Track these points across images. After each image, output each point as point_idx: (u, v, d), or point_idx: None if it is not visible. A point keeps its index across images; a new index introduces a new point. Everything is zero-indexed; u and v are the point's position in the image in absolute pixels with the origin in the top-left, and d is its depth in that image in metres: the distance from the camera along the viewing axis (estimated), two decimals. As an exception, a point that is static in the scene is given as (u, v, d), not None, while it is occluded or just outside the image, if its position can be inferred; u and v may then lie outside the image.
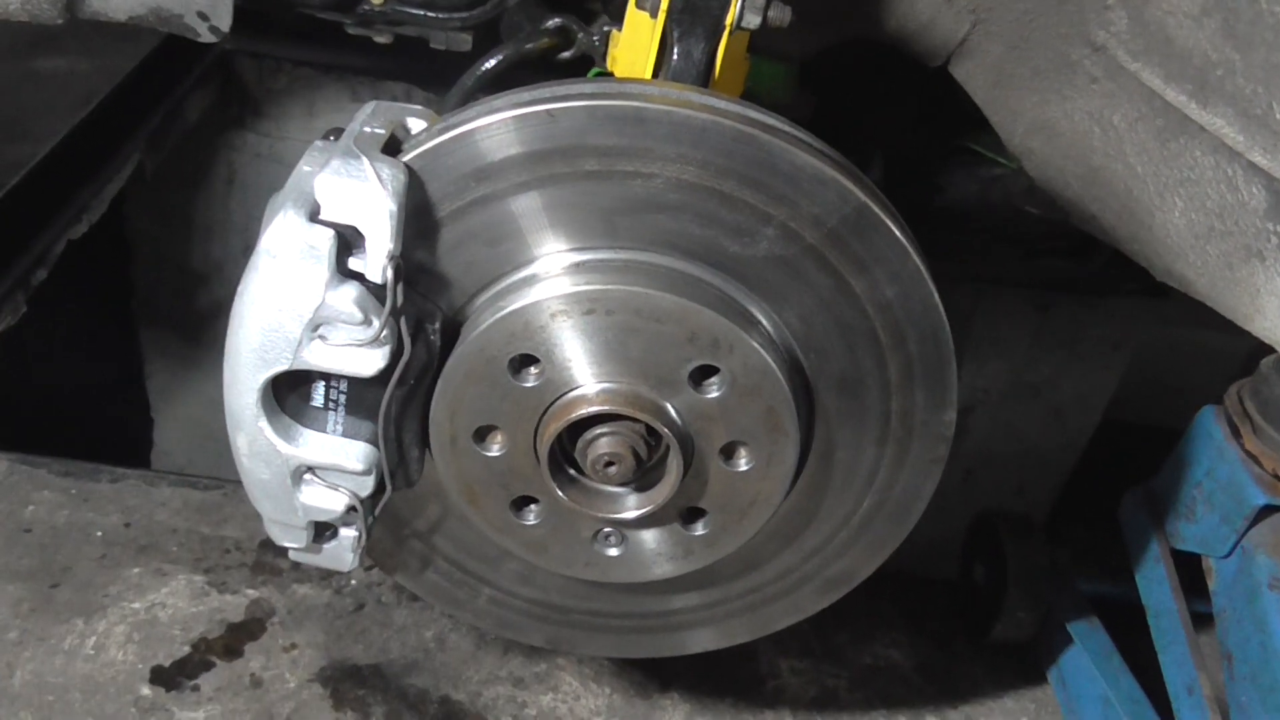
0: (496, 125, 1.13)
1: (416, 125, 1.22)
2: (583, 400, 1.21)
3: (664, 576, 1.33)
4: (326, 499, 1.25)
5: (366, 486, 1.25)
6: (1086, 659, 1.95)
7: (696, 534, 1.30)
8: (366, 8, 1.77)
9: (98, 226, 2.43)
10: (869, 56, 1.87)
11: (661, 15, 1.33)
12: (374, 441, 1.23)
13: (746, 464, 1.25)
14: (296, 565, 1.34)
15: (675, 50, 1.34)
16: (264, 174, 2.91)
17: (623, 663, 1.90)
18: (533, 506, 1.30)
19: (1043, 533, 2.05)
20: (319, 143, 1.22)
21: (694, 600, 1.41)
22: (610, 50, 1.44)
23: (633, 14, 1.37)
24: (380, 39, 1.90)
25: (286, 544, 1.30)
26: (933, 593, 2.17)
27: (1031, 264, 2.15)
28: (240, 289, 1.16)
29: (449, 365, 1.21)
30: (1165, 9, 1.57)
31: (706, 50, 1.34)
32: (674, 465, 1.23)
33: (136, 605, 1.88)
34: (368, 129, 1.18)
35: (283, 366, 1.17)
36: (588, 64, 1.52)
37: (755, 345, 1.18)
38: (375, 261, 1.13)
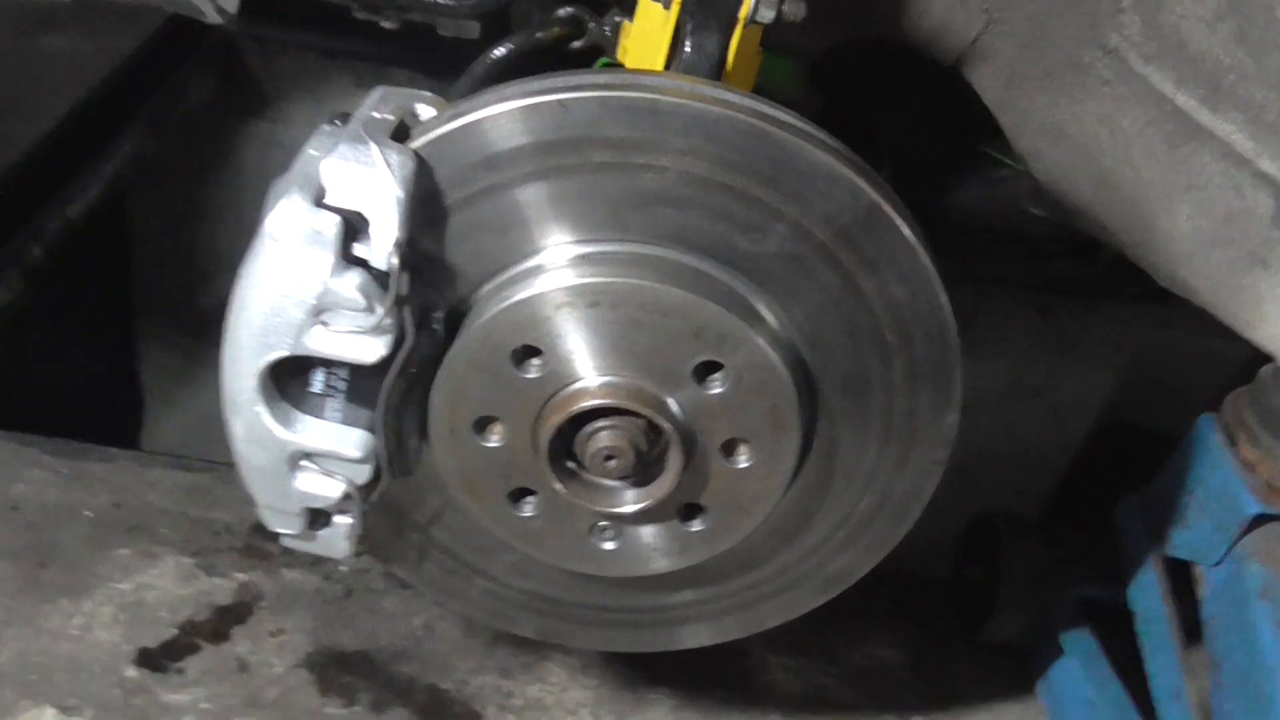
0: (506, 114, 1.12)
1: (425, 112, 1.21)
2: (584, 393, 1.19)
3: (660, 571, 1.32)
4: (322, 486, 1.23)
5: (363, 474, 1.23)
6: (1074, 662, 1.95)
7: (694, 530, 1.29)
8: (374, -8, 1.75)
9: (99, 216, 2.41)
10: (876, 54, 1.86)
11: (675, 7, 1.31)
12: (372, 429, 1.21)
13: (747, 461, 1.24)
14: (286, 550, 1.31)
15: (688, 43, 1.32)
16: (266, 159, 2.89)
17: (611, 655, 1.89)
18: (530, 498, 1.28)
19: (1040, 534, 2.05)
20: (325, 126, 1.20)
21: (689, 595, 1.40)
22: (621, 41, 1.42)
23: (645, 5, 1.35)
24: (387, 24, 1.87)
25: (280, 530, 1.28)
26: (928, 592, 2.16)
27: (1035, 265, 2.13)
28: (242, 272, 1.15)
29: (451, 354, 1.19)
30: (1179, 13, 1.56)
31: (719, 43, 1.32)
32: (674, 460, 1.21)
33: (124, 586, 1.86)
34: (376, 114, 1.16)
35: (283, 351, 1.15)
36: (598, 54, 1.51)
37: (761, 343, 1.17)
38: (380, 249, 1.11)
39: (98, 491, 2.01)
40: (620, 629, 1.46)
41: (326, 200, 1.10)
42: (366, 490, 1.25)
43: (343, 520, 1.28)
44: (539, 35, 1.48)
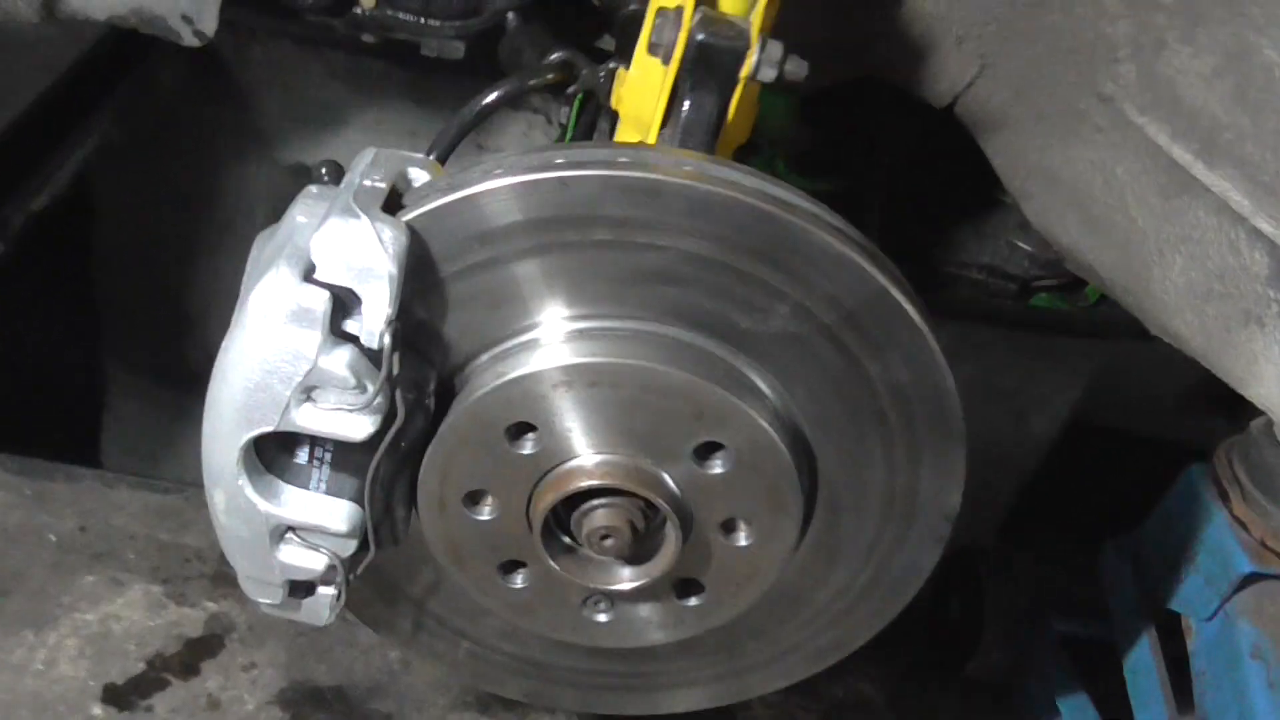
0: (505, 190, 1.07)
1: (419, 177, 1.16)
2: (581, 472, 1.16)
3: (653, 644, 1.29)
4: (306, 559, 1.20)
5: (349, 547, 1.19)
6: (1055, 699, 1.95)
7: (690, 605, 1.26)
8: (358, 11, 1.69)
9: (65, 207, 2.34)
10: (869, 93, 1.82)
11: (674, 64, 1.27)
12: (359, 500, 1.18)
13: (746, 539, 1.21)
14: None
15: (687, 100, 1.28)
16: (237, 147, 2.82)
17: (592, 692, 1.87)
18: (521, 571, 1.25)
19: (1021, 571, 2.04)
20: (314, 189, 1.16)
21: (679, 663, 1.38)
22: (616, 88, 1.38)
23: (643, 58, 1.31)
24: (368, 38, 1.82)
25: (260, 600, 1.24)
26: (907, 624, 2.15)
27: (1022, 303, 2.11)
28: (226, 344, 1.10)
29: (443, 428, 1.16)
30: (1176, 67, 1.53)
31: (719, 103, 1.28)
32: (671, 539, 1.19)
33: (90, 617, 1.82)
34: (368, 182, 1.11)
35: (268, 427, 1.11)
36: (590, 99, 1.46)
37: (763, 424, 1.14)
38: (372, 326, 1.07)
39: (62, 514, 1.96)
40: (609, 692, 1.43)
41: (316, 276, 1.06)
42: (352, 562, 1.21)
43: (326, 591, 1.24)
44: (531, 82, 1.43)
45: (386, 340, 1.07)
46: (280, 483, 1.17)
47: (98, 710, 1.70)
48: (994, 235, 2.05)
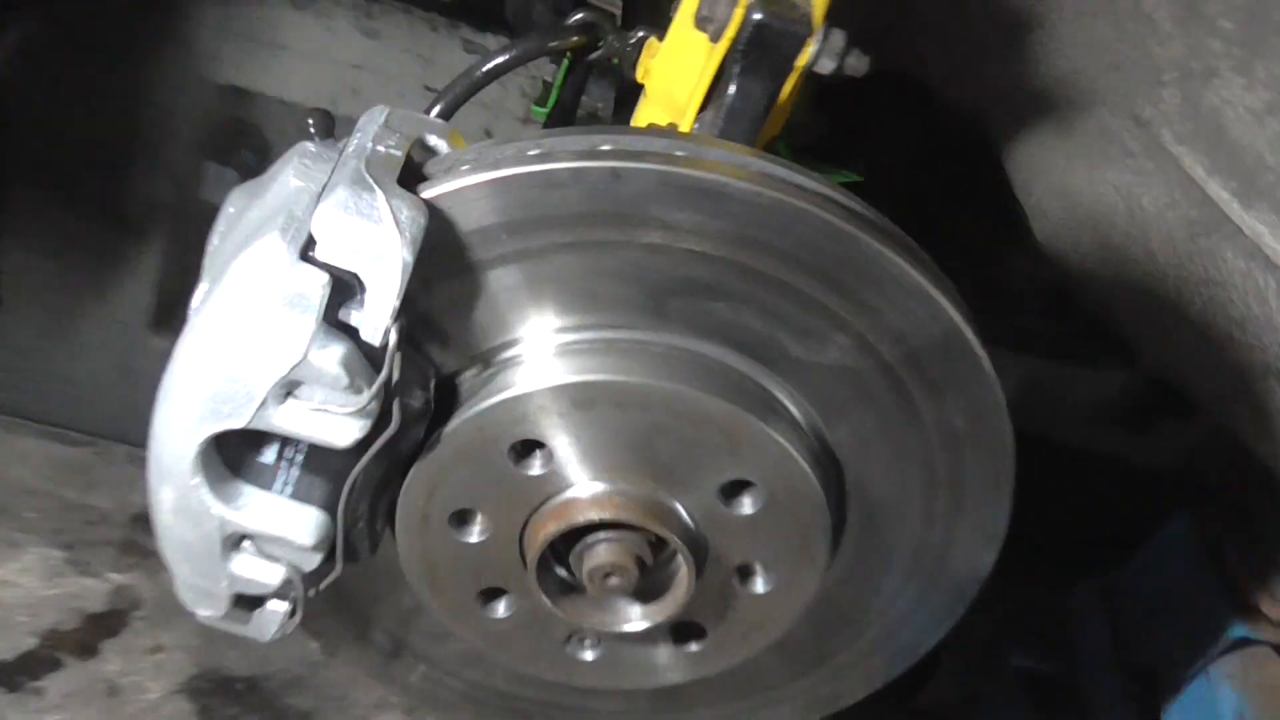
0: (548, 176, 0.92)
1: (437, 145, 1.00)
2: (590, 503, 1.02)
3: (637, 688, 1.16)
4: (261, 571, 1.03)
5: (312, 561, 1.03)
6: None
7: (688, 650, 1.13)
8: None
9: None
10: (888, 87, 1.69)
11: (725, 43, 1.12)
12: (330, 508, 1.02)
13: (763, 587, 1.08)
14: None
15: (734, 85, 1.13)
16: (166, 59, 2.57)
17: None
18: (503, 600, 1.10)
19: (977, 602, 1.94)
20: (310, 146, 0.98)
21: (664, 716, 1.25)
22: (643, 59, 1.22)
23: (685, 31, 1.16)
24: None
25: (200, 612, 1.07)
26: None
27: (1013, 322, 2.01)
28: (195, 322, 0.93)
29: (439, 438, 1.00)
30: (1225, 98, 1.43)
31: (768, 90, 1.14)
32: (684, 581, 1.05)
33: (-20, 581, 1.63)
34: (381, 148, 0.94)
35: (236, 424, 0.94)
36: (612, 67, 1.30)
37: (805, 466, 1.01)
38: (375, 321, 0.91)
39: (-48, 460, 1.75)
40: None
41: (315, 254, 0.89)
42: (313, 577, 1.05)
43: (278, 605, 1.08)
44: (552, 44, 1.27)
45: (391, 338, 0.91)
46: (242, 484, 1.00)
47: (-20, 689, 1.51)
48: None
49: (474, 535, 1.06)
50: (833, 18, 1.15)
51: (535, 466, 1.02)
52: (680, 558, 1.04)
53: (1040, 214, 1.70)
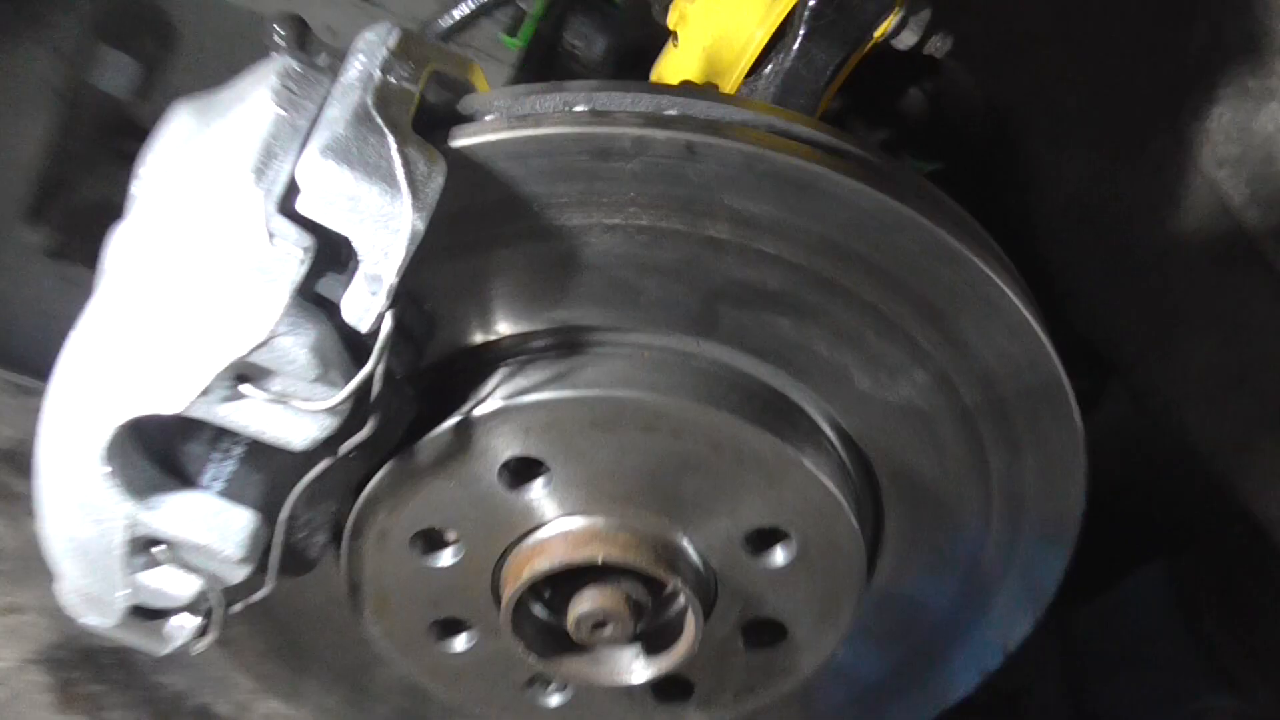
0: (605, 141, 0.71)
1: (458, 84, 0.78)
2: (593, 539, 0.83)
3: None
4: (172, 582, 0.82)
5: (237, 574, 0.82)
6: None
7: (670, 706, 0.95)
8: None
9: None
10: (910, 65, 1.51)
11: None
12: (269, 511, 0.81)
13: (774, 649, 0.91)
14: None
15: (795, 48, 0.94)
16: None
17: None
18: (463, 635, 0.91)
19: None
20: (293, 64, 0.75)
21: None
22: (680, 3, 1.02)
23: (744, -25, 0.96)
24: None
25: (86, 620, 0.86)
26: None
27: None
28: (123, 273, 0.71)
29: (418, 445, 0.80)
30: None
31: (836, 59, 0.95)
32: (688, 638, 0.87)
33: None
34: (392, 79, 0.73)
35: (166, 411, 0.72)
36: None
37: (854, 523, 0.83)
38: (365, 302, 0.70)
39: None
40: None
41: (299, 207, 0.68)
42: (238, 592, 0.84)
43: (185, 620, 0.86)
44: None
45: (385, 325, 0.70)
46: (161, 477, 0.78)
47: None
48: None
49: (440, 560, 0.86)
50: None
51: (530, 489, 0.82)
52: (686, 606, 0.86)
53: (1049, 216, 1.55)
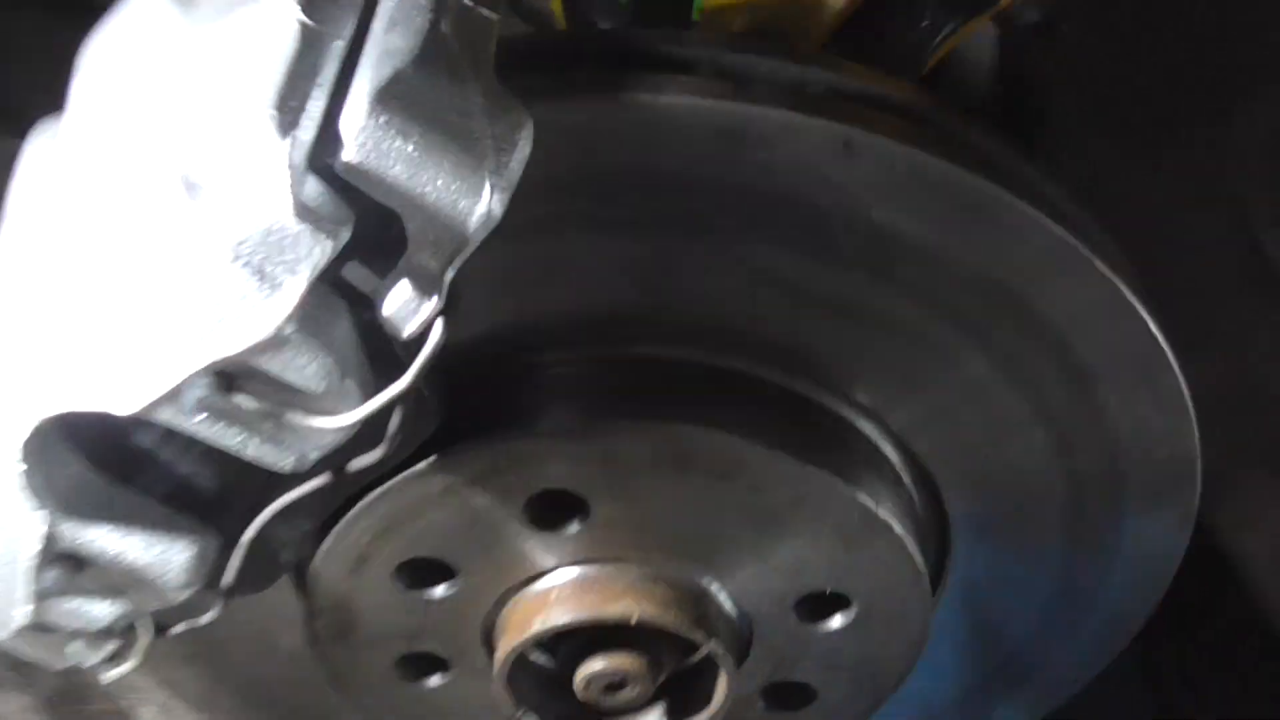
0: (742, 123, 0.53)
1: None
2: (625, 591, 0.67)
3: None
4: (89, 606, 0.63)
5: (177, 599, 0.63)
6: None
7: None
8: None
9: None
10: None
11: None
12: (225, 526, 0.63)
13: (796, 713, 0.77)
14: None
15: (909, 10, 0.77)
16: None
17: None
18: (437, 676, 0.74)
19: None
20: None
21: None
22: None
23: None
24: None
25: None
26: None
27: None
28: (42, 213, 0.51)
29: (430, 467, 0.62)
30: None
31: (940, 31, 0.78)
32: (716, 702, 0.72)
33: None
34: (468, 1, 0.53)
35: (115, 411, 0.53)
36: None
37: (929, 595, 0.69)
38: (411, 304, 0.51)
39: None
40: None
41: (340, 167, 0.48)
42: (174, 615, 0.66)
43: (98, 645, 0.67)
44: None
45: (435, 335, 0.51)
46: (94, 480, 0.59)
47: None
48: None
49: (430, 594, 0.69)
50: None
51: (559, 528, 0.65)
52: (718, 669, 0.71)
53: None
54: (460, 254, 0.51)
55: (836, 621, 0.71)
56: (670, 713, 0.72)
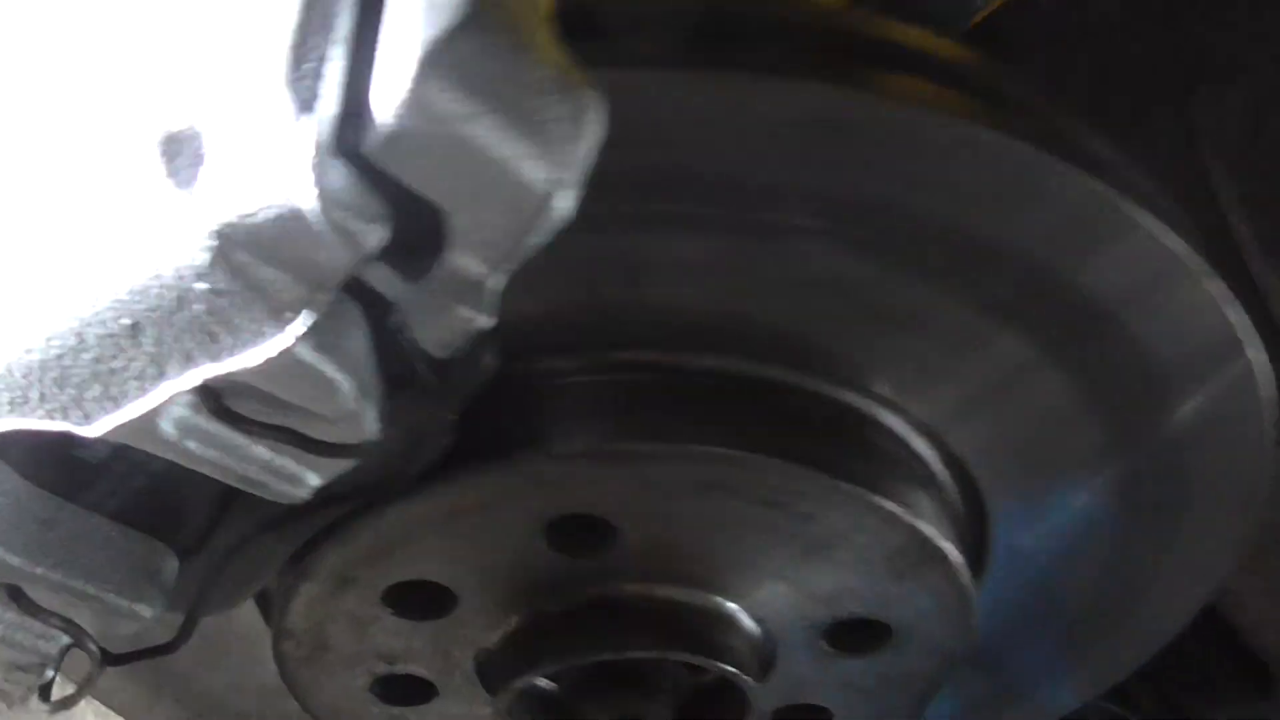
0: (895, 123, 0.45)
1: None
2: (653, 623, 0.58)
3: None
4: (28, 639, 0.53)
5: (129, 627, 0.54)
6: None
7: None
8: None
9: None
10: None
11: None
12: (183, 543, 0.53)
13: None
14: None
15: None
16: None
17: None
18: (422, 707, 0.65)
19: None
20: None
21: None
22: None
23: None
24: None
25: None
26: None
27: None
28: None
29: (437, 489, 0.53)
30: None
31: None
32: None
33: None
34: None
35: (79, 431, 0.43)
36: None
37: (975, 628, 0.62)
38: (452, 321, 0.42)
39: None
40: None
41: (371, 152, 0.38)
42: (127, 642, 0.56)
43: (36, 677, 0.57)
44: None
45: (487, 362, 0.42)
46: (30, 499, 0.49)
47: None
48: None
49: (423, 617, 0.59)
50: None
51: (583, 554, 0.56)
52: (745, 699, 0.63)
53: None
54: (514, 259, 0.41)
55: (869, 647, 0.63)
56: None
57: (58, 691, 0.56)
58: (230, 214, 0.37)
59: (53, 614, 0.52)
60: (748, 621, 0.61)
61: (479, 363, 0.43)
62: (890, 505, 0.55)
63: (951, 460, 0.60)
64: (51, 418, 0.42)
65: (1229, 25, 1.10)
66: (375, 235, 0.39)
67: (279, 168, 0.37)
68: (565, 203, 0.40)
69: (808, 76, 0.44)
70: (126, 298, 0.39)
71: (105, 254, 0.39)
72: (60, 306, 0.40)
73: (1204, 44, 1.12)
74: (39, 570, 0.49)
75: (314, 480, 0.46)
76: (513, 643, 0.60)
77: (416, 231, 0.41)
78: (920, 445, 0.58)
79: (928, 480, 0.58)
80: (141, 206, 0.38)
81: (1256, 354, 0.56)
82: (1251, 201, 1.11)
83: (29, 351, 0.41)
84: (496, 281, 0.41)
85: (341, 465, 0.45)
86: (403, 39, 0.38)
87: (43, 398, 0.42)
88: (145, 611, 0.53)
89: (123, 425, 0.42)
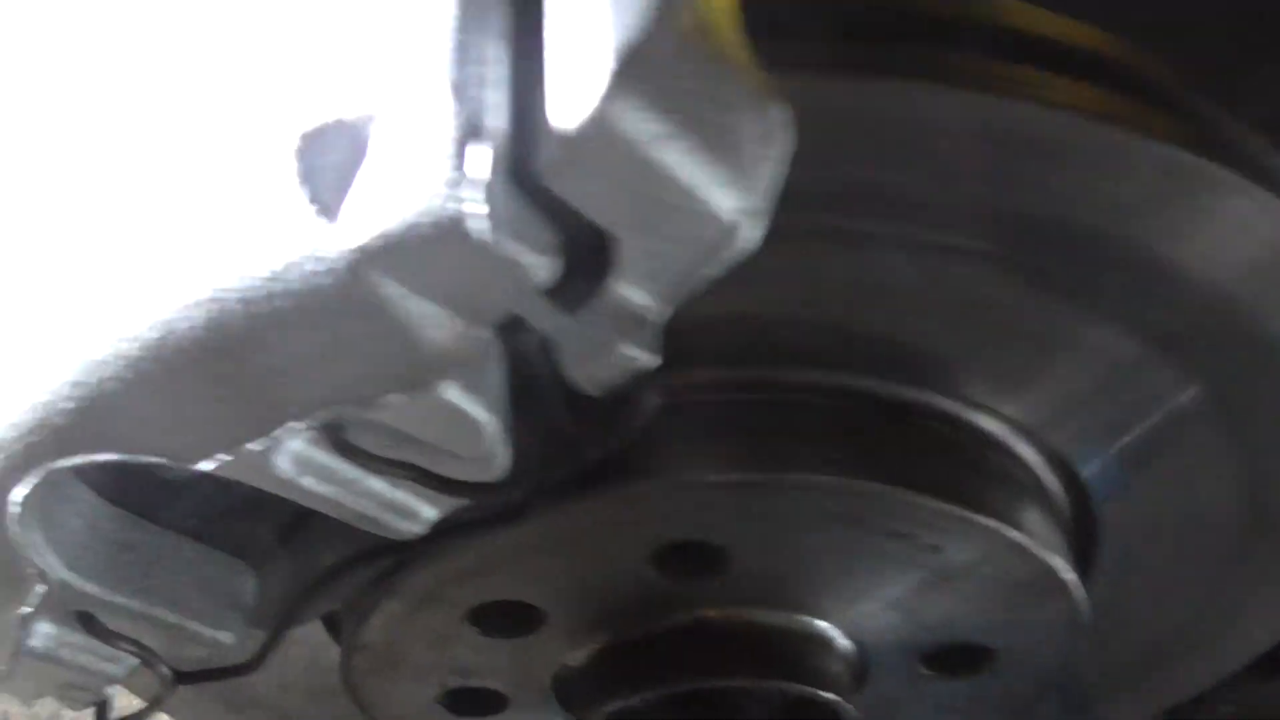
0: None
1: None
2: (750, 651, 0.54)
3: None
4: (93, 659, 0.48)
5: (203, 652, 0.49)
6: None
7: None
8: None
9: None
10: None
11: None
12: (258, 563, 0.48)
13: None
14: None
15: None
16: None
17: None
18: (489, 714, 0.61)
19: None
20: None
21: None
22: None
23: None
24: None
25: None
26: None
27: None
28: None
29: (539, 514, 0.48)
30: None
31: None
32: None
33: None
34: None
35: (171, 462, 0.38)
36: None
37: (1083, 645, 0.58)
38: (614, 359, 0.37)
39: None
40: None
41: (546, 174, 0.32)
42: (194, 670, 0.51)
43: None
44: None
45: (646, 407, 0.37)
46: (106, 519, 0.43)
47: None
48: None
49: (507, 635, 0.55)
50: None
51: (681, 579, 0.52)
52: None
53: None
54: (683, 292, 0.36)
55: (969, 670, 0.60)
56: None
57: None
58: (378, 239, 0.32)
59: (124, 638, 0.47)
60: (844, 642, 0.57)
61: (639, 404, 0.38)
62: (1024, 539, 0.51)
63: (1071, 484, 0.56)
64: (152, 445, 0.37)
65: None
66: (546, 269, 0.33)
67: (439, 187, 0.31)
68: (753, 233, 0.35)
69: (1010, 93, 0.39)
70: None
71: (233, 274, 0.33)
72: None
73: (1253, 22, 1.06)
74: (118, 599, 0.44)
75: (430, 515, 0.41)
76: (597, 664, 0.55)
77: (576, 257, 0.35)
78: (1049, 476, 0.54)
79: (1056, 510, 0.54)
80: (275, 226, 0.33)
81: None
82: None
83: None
84: (661, 315, 0.36)
85: (462, 502, 0.40)
86: (584, 41, 0.32)
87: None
88: (226, 639, 0.48)
89: (234, 462, 0.36)
